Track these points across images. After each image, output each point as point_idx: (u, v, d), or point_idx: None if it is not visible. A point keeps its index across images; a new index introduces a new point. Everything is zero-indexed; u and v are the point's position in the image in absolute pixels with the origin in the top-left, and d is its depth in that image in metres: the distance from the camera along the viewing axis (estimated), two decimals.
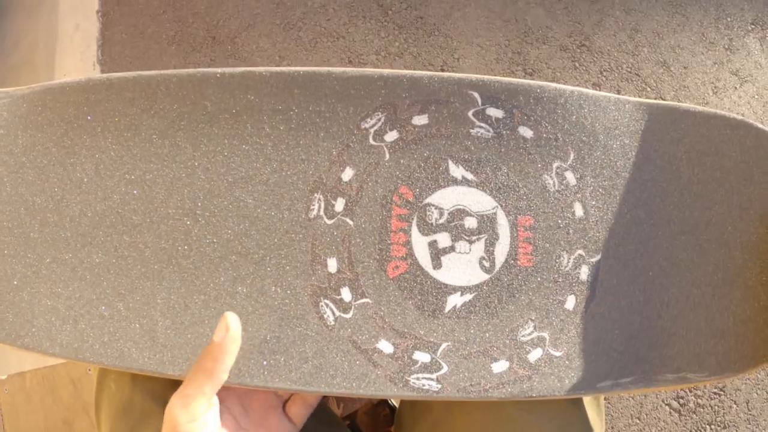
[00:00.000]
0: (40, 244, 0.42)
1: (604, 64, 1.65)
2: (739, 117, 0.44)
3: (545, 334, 0.41)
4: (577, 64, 1.62)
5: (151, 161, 0.42)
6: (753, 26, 1.83)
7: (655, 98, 1.73)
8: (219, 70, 0.42)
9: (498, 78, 0.43)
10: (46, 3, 1.90)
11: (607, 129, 0.44)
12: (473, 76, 0.43)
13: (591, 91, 0.44)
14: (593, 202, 0.43)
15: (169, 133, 0.42)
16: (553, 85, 0.44)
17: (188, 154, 0.42)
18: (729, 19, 1.83)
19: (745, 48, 1.77)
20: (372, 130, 0.43)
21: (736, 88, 1.72)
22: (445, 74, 0.42)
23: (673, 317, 0.42)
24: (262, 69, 0.42)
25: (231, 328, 0.35)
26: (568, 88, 0.44)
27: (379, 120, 0.43)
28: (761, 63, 1.75)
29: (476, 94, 0.42)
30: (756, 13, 1.86)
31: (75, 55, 1.75)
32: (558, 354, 0.41)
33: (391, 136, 0.43)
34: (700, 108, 0.44)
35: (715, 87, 1.73)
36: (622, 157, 0.44)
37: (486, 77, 0.43)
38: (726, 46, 1.77)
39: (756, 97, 1.72)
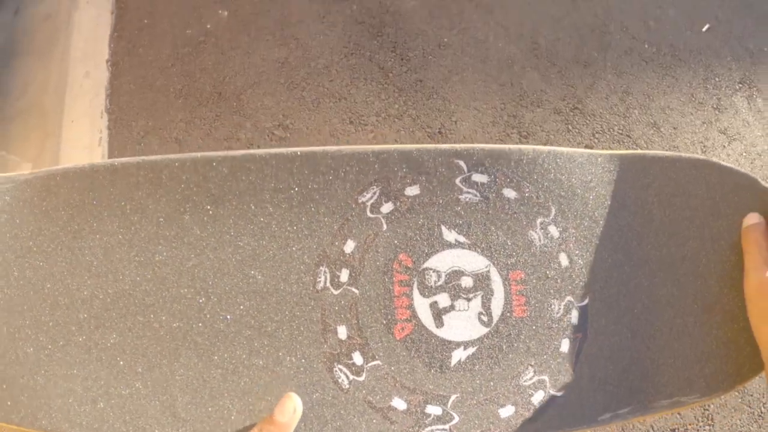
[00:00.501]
0: (53, 327, 0.42)
1: (597, 126, 1.71)
2: (703, 157, 0.48)
3: (545, 377, 0.44)
4: (570, 127, 1.68)
5: (160, 243, 0.44)
6: (740, 85, 1.89)
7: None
8: (221, 153, 0.45)
9: (481, 145, 0.47)
10: (57, 48, 1.95)
11: (583, 182, 0.48)
12: (458, 146, 0.47)
13: (565, 149, 0.48)
14: (576, 251, 0.46)
15: (175, 216, 0.44)
16: (530, 147, 0.47)
17: (196, 236, 0.44)
18: (717, 79, 1.89)
19: (733, 107, 1.84)
20: (369, 204, 0.46)
21: (724, 146, 1.78)
22: (432, 146, 0.46)
23: (660, 348, 0.45)
24: (261, 151, 0.45)
25: (297, 410, 0.38)
26: (545, 148, 0.47)
27: (375, 193, 0.46)
28: (749, 121, 1.81)
29: (462, 163, 0.46)
30: (743, 72, 1.93)
31: (84, 102, 1.79)
32: (559, 394, 0.44)
33: (387, 207, 0.46)
34: (666, 153, 0.48)
35: (704, 146, 1.79)
36: (598, 206, 0.48)
37: (469, 146, 0.47)
38: (714, 106, 1.83)
39: (744, 154, 1.78)
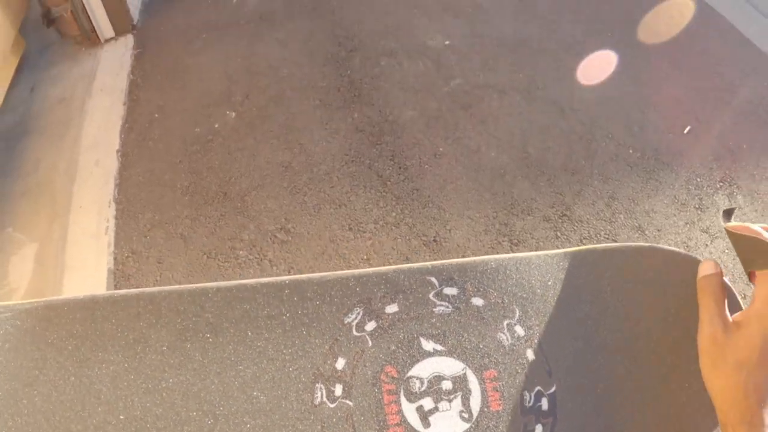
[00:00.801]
0: None
1: (584, 232, 1.80)
2: (647, 244, 0.54)
3: None
4: (558, 233, 1.76)
5: (165, 370, 0.48)
6: (721, 183, 1.99)
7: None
8: (215, 284, 0.50)
9: (449, 261, 0.53)
10: (70, 133, 2.03)
11: (542, 282, 0.54)
12: (429, 264, 0.53)
13: (523, 254, 0.55)
14: (541, 345, 0.52)
15: (177, 345, 0.48)
16: (493, 257, 0.54)
17: (198, 362, 0.48)
18: (699, 179, 1.99)
19: (714, 205, 1.93)
20: (354, 323, 0.51)
21: (707, 245, 1.86)
22: (406, 266, 0.52)
23: (623, 421, 0.51)
24: (252, 281, 0.50)
25: None
26: (506, 256, 0.54)
27: (359, 314, 0.51)
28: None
29: (433, 279, 0.52)
30: (724, 171, 2.03)
31: (93, 190, 1.86)
32: None
33: (371, 325, 0.51)
34: (615, 244, 0.55)
35: (687, 246, 1.87)
36: (558, 302, 0.54)
37: (439, 262, 0.53)
38: (696, 206, 1.92)
39: (726, 251, 1.86)
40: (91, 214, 1.80)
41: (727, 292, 0.48)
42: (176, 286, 0.50)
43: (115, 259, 1.61)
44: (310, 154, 1.78)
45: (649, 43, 2.47)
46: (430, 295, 0.52)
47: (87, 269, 1.62)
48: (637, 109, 2.13)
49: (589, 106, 2.10)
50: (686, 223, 1.90)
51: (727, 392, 0.42)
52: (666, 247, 0.55)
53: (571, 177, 1.84)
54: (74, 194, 1.84)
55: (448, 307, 0.52)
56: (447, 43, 2.29)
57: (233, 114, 1.91)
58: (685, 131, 2.12)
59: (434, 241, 1.65)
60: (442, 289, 0.53)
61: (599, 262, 0.55)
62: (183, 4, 2.42)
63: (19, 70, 2.01)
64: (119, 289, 1.48)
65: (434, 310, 0.52)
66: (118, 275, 1.59)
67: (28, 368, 0.46)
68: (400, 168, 1.76)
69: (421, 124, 1.88)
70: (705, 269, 0.49)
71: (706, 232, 1.90)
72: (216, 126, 1.88)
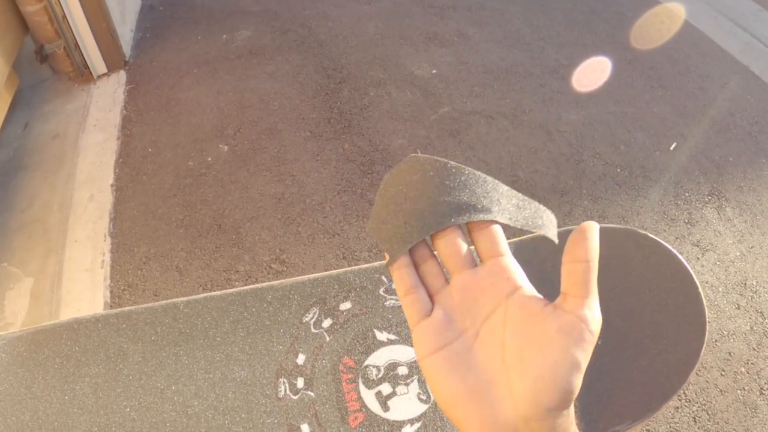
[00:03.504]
0: None
1: None
2: (623, 226, 0.57)
3: None
4: None
5: (141, 378, 0.52)
6: (710, 197, 2.02)
7: None
8: (184, 299, 0.54)
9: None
10: (64, 168, 2.04)
11: None
12: (377, 263, 0.57)
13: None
14: None
15: (153, 354, 0.53)
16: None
17: (172, 368, 0.52)
18: (687, 194, 2.02)
19: (703, 219, 1.95)
20: (312, 322, 0.55)
21: (698, 258, 1.88)
22: (356, 267, 0.56)
23: (585, 390, 0.53)
24: (218, 293, 0.55)
25: None
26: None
27: (315, 313, 0.56)
28: (719, 230, 1.93)
29: (383, 277, 0.56)
30: (712, 185, 2.07)
31: (87, 224, 1.87)
32: None
33: (327, 322, 0.56)
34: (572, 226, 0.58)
35: None
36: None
37: (384, 263, 0.56)
38: (686, 220, 1.95)
39: (718, 263, 1.88)
40: (86, 248, 1.81)
41: None
42: (150, 303, 0.55)
43: (111, 292, 1.62)
44: (302, 185, 1.80)
45: (633, 64, 2.53)
46: (381, 291, 0.57)
47: (83, 303, 1.62)
48: (623, 129, 2.17)
49: (576, 128, 2.15)
50: (676, 238, 1.92)
51: None
52: (605, 224, 0.58)
53: (560, 198, 1.87)
54: (69, 229, 1.85)
55: (397, 301, 0.56)
56: (434, 71, 2.34)
57: (226, 147, 1.93)
58: (672, 148, 2.16)
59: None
60: (390, 284, 0.57)
61: (542, 247, 0.59)
62: (174, 40, 2.47)
63: (12, 107, 2.03)
64: None
65: (385, 303, 0.56)
66: (115, 308, 1.59)
67: (17, 388, 0.50)
68: None
69: (410, 151, 1.91)
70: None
71: (697, 246, 1.92)
72: (209, 159, 1.90)
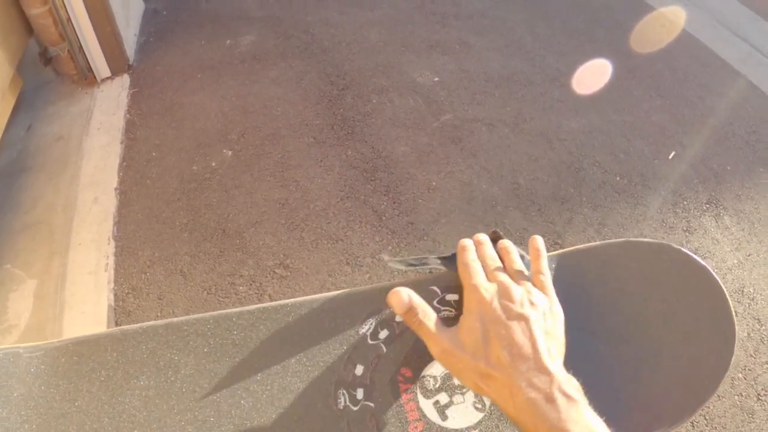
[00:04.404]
0: None
1: None
2: (621, 240, 0.59)
3: None
4: None
5: (195, 391, 0.51)
6: (708, 205, 2.05)
7: None
8: (237, 310, 0.53)
9: (444, 272, 0.57)
10: (68, 171, 2.05)
11: None
12: (430, 276, 0.57)
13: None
14: None
15: (206, 366, 0.52)
16: None
17: (227, 381, 0.51)
18: (685, 202, 2.05)
19: (702, 227, 1.98)
20: (368, 333, 0.55)
21: None
22: (410, 279, 0.56)
23: (625, 396, 0.55)
24: (272, 304, 0.54)
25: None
26: None
27: (372, 324, 0.55)
28: (717, 239, 1.95)
29: (435, 287, 0.56)
30: (710, 193, 2.09)
31: (91, 227, 1.87)
32: None
33: (383, 334, 0.55)
34: (595, 243, 0.60)
35: None
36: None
37: (439, 274, 0.56)
38: (684, 228, 1.97)
39: (715, 271, 1.87)
40: (90, 251, 1.82)
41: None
42: (201, 314, 0.53)
43: (115, 295, 1.63)
44: (306, 191, 1.82)
45: (633, 73, 2.56)
46: (435, 302, 0.56)
47: (87, 305, 1.63)
48: (622, 137, 2.20)
49: (576, 136, 2.17)
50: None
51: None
52: (641, 239, 0.60)
53: (561, 206, 1.89)
54: (73, 231, 1.86)
55: (451, 312, 0.56)
56: (436, 79, 2.36)
57: (229, 152, 1.95)
58: (670, 156, 2.19)
59: (430, 272, 1.69)
60: (444, 296, 0.56)
61: (583, 260, 0.60)
62: (178, 44, 2.49)
63: (16, 109, 2.04)
64: (120, 325, 1.49)
65: (439, 315, 0.55)
66: (119, 311, 1.60)
67: (61, 401, 0.49)
68: (394, 203, 1.80)
69: (413, 159, 1.93)
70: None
71: (695, 254, 1.93)
72: (213, 164, 1.92)
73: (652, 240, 0.60)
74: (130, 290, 1.64)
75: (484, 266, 0.53)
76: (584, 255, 0.60)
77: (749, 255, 1.86)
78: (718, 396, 1.50)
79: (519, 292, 0.49)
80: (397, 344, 0.56)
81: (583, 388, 0.48)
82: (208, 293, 1.60)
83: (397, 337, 0.56)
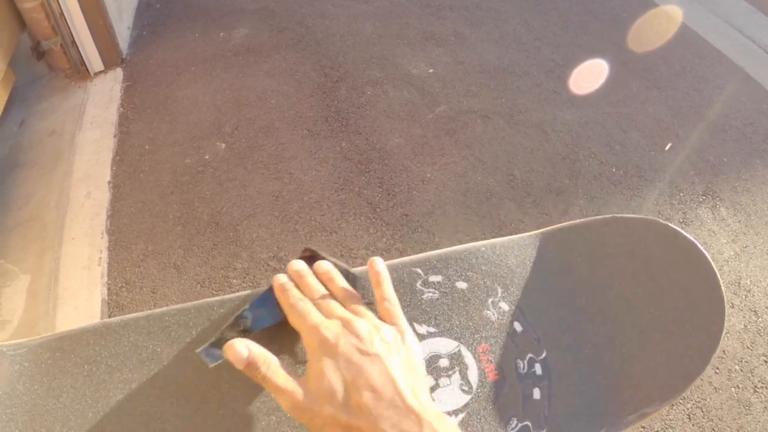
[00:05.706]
0: None
1: None
2: (609, 216, 0.59)
3: (528, 423, 0.52)
4: None
5: (178, 381, 0.49)
6: (704, 197, 2.04)
7: None
8: (218, 298, 0.52)
9: (430, 252, 0.57)
10: (60, 165, 2.04)
11: (519, 261, 0.58)
12: (414, 257, 0.57)
13: (498, 239, 0.58)
14: (526, 317, 0.56)
15: (189, 356, 0.50)
16: (470, 244, 0.58)
17: (212, 370, 0.49)
18: (682, 194, 2.04)
19: (698, 219, 1.97)
20: None
21: None
22: (393, 261, 0.55)
23: (616, 374, 0.54)
24: (257, 291, 0.52)
25: None
26: (482, 242, 0.58)
27: None
28: (714, 230, 1.94)
29: (418, 269, 0.56)
30: (706, 185, 2.09)
31: (84, 222, 1.86)
32: None
33: None
34: (580, 220, 0.60)
35: None
36: (536, 277, 0.57)
37: (421, 254, 0.56)
38: (681, 220, 1.97)
39: (712, 262, 1.90)
40: (83, 245, 1.80)
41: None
42: (182, 304, 0.52)
43: (108, 289, 1.62)
44: (299, 183, 1.81)
45: (628, 65, 2.55)
46: (418, 284, 0.56)
47: (80, 300, 1.62)
48: (618, 129, 2.19)
49: (571, 128, 2.16)
50: None
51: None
52: (627, 215, 0.59)
53: (556, 197, 1.89)
54: (66, 226, 1.84)
55: (435, 293, 0.56)
56: (431, 71, 2.35)
57: (223, 145, 1.93)
58: (667, 148, 2.18)
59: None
60: (427, 278, 0.56)
61: (569, 237, 0.60)
62: (171, 37, 2.47)
63: (8, 104, 2.02)
64: None
65: (423, 297, 0.55)
66: (112, 305, 1.59)
67: (45, 398, 0.48)
68: (388, 194, 1.79)
69: (407, 151, 1.92)
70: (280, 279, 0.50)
71: None
72: (206, 157, 1.90)
73: (638, 216, 0.59)
74: (123, 284, 1.63)
75: (313, 302, 0.48)
76: (570, 232, 0.60)
77: (746, 246, 1.86)
78: (715, 388, 1.50)
79: (365, 326, 0.45)
80: None
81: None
82: (201, 286, 1.59)
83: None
